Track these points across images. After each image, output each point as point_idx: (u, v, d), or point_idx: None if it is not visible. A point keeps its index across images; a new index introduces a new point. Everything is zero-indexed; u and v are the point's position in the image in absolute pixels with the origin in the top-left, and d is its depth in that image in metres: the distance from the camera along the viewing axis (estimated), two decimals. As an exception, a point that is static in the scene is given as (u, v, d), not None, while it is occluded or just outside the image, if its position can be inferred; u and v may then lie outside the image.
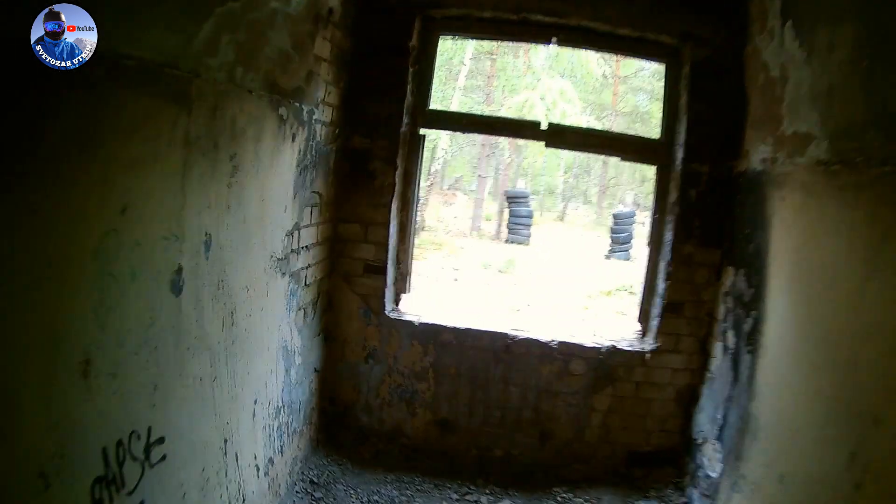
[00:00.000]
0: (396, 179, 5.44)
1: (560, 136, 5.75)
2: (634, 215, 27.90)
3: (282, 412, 4.52)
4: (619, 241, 25.48)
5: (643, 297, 5.60)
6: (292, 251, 4.47)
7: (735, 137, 4.87)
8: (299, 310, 4.80)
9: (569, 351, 5.45)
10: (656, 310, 5.39)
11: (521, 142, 26.15)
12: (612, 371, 5.36)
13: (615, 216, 27.10)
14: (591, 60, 26.06)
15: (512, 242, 24.95)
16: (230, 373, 3.58)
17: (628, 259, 24.80)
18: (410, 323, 5.60)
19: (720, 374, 4.73)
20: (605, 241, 26.83)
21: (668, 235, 5.25)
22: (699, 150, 5.07)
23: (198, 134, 2.97)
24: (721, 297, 4.90)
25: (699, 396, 5.08)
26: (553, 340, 5.51)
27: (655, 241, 5.47)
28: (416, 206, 5.77)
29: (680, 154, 5.15)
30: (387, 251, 5.50)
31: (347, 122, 5.31)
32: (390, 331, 5.59)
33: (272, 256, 4.09)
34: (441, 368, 5.59)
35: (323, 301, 5.35)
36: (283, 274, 4.33)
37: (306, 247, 4.78)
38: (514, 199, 26.32)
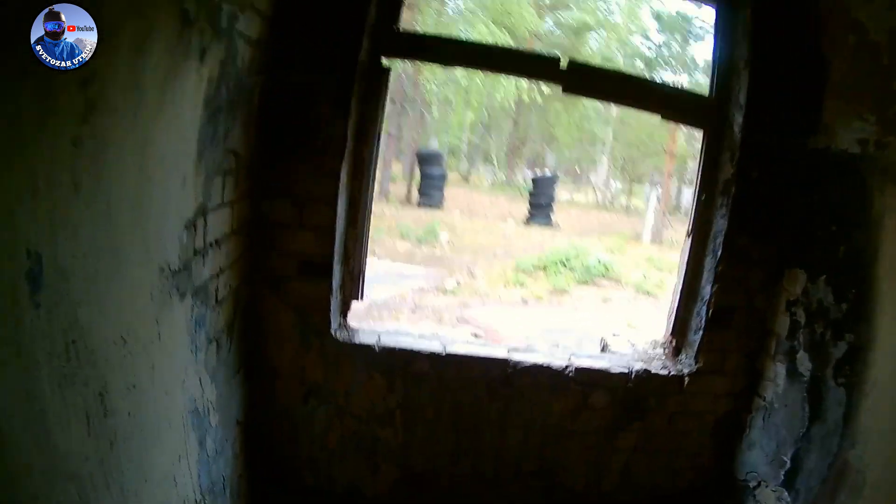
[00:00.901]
0: (348, 133, 3.86)
1: (584, 80, 4.37)
2: (556, 179, 28.13)
3: (202, 508, 3.06)
4: (540, 207, 25.30)
5: (679, 301, 4.56)
6: (195, 253, 2.87)
7: (811, 106, 4.06)
8: (210, 343, 3.22)
9: (589, 379, 4.34)
10: (699, 319, 4.42)
11: (433, 96, 25.04)
12: (641, 402, 4.41)
13: (535, 181, 27.10)
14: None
15: (424, 206, 24.19)
16: (115, 496, 2.14)
17: (550, 225, 24.85)
18: (368, 347, 4.16)
19: (784, 405, 4.12)
20: (523, 206, 26.70)
21: (721, 223, 4.28)
22: (763, 115, 4.15)
23: None
24: (783, 307, 4.21)
25: (746, 427, 4.45)
26: (569, 367, 4.33)
27: (700, 230, 4.45)
28: (373, 174, 4.26)
29: (738, 118, 4.19)
30: (332, 241, 3.95)
31: (282, 43, 3.68)
32: (339, 358, 4.14)
33: (163, 270, 2.53)
34: (413, 409, 4.26)
35: (241, 321, 3.75)
36: (183, 295, 2.76)
37: (216, 241, 3.17)
38: (426, 160, 25.51)
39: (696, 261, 4.46)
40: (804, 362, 3.96)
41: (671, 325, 4.66)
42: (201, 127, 2.75)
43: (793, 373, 4.05)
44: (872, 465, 3.39)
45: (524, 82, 22.70)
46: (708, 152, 4.39)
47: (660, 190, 26.87)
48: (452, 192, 26.99)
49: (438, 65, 4.89)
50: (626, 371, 4.36)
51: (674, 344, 4.62)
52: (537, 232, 23.02)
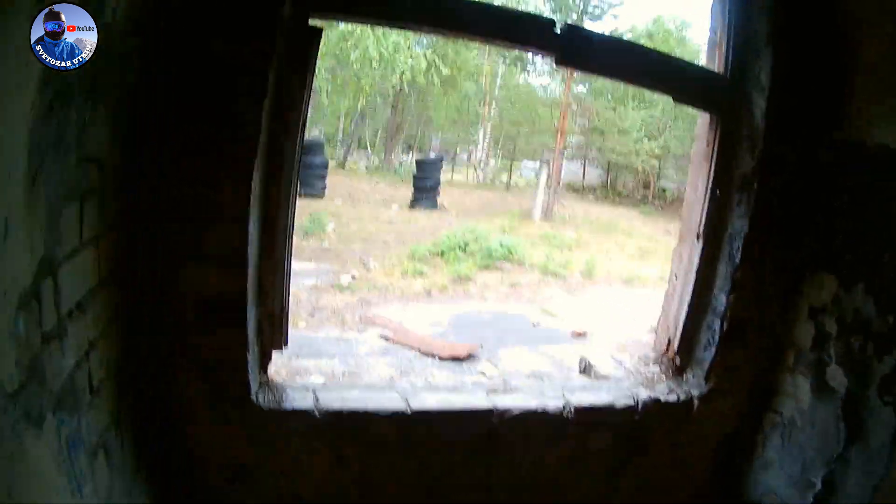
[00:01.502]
0: (263, 119, 2.77)
1: (583, 49, 3.46)
2: (442, 161, 27.50)
3: None
4: (425, 189, 24.74)
5: (688, 314, 3.95)
6: (46, 340, 1.80)
7: (838, 95, 3.64)
8: (95, 457, 2.18)
9: (590, 419, 3.67)
10: (711, 334, 3.92)
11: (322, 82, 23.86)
12: (647, 436, 3.87)
13: (420, 163, 26.38)
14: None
15: (307, 195, 22.59)
16: None
17: (435, 207, 24.37)
18: (303, 413, 3.13)
19: (810, 423, 3.85)
20: (404, 191, 26.14)
21: (739, 224, 3.77)
22: (789, 100, 3.62)
23: None
24: (804, 315, 3.89)
25: (758, 446, 4.16)
26: (567, 407, 3.56)
27: (712, 232, 3.88)
28: (296, 176, 3.12)
29: (760, 102, 3.63)
30: (244, 274, 2.87)
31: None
32: (267, 429, 3.10)
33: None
34: (374, 485, 3.32)
35: (133, 403, 2.65)
36: (39, 419, 1.73)
37: (78, 306, 2.07)
38: (307, 149, 23.68)
39: (708, 266, 3.88)
40: (837, 377, 3.67)
41: (675, 340, 4.04)
42: (34, 126, 1.67)
43: (821, 388, 3.76)
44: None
45: (423, 62, 21.86)
46: (722, 140, 3.77)
47: (549, 167, 26.40)
48: (332, 179, 25.74)
49: (388, 26, 3.42)
50: (633, 403, 3.74)
51: (677, 362, 4.03)
52: (424, 216, 22.29)
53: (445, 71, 23.49)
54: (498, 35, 3.39)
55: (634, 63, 3.70)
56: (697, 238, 3.87)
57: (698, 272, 3.86)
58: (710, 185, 3.83)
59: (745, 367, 3.95)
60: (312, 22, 2.91)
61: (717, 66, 3.76)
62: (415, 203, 24.21)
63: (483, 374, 8.50)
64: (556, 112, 29.24)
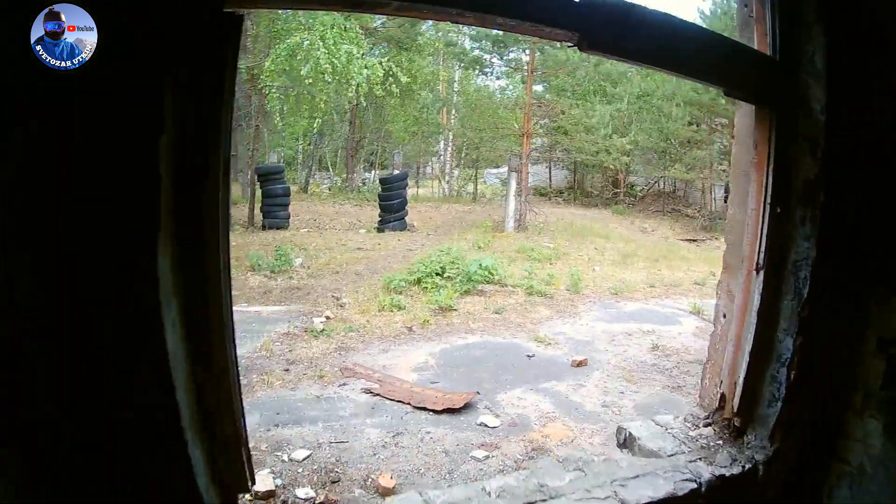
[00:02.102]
0: (161, 152, 1.81)
1: (614, 28, 2.56)
2: (407, 177, 26.76)
3: None
4: (392, 210, 24.08)
5: (749, 364, 3.32)
6: None
7: None
8: None
9: None
10: (776, 387, 3.31)
11: (275, 102, 23.26)
12: None
13: (384, 181, 25.69)
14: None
15: (270, 228, 22.37)
16: None
17: (404, 229, 23.73)
18: None
19: (884, 467, 3.34)
20: (370, 211, 25.69)
21: (805, 247, 3.14)
22: (849, 88, 3.04)
23: None
24: (873, 347, 3.34)
25: (821, 498, 3.63)
26: None
27: (774, 262, 3.24)
28: (226, 234, 2.13)
29: (818, 93, 3.03)
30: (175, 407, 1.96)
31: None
32: None
33: None
34: None
35: None
36: None
37: None
38: (267, 177, 23.60)
39: (769, 303, 3.24)
40: None
41: (733, 396, 3.44)
42: None
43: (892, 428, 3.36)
44: None
45: (379, 71, 21.11)
46: (780, 142, 3.10)
47: (518, 174, 25.82)
48: (296, 206, 25.20)
49: (331, 8, 2.48)
50: (696, 485, 3.11)
51: (737, 423, 3.45)
52: (394, 238, 21.66)
53: (404, 79, 22.77)
54: (490, 7, 2.29)
55: (680, 46, 2.88)
56: (757, 270, 3.24)
57: (760, 312, 3.25)
58: (767, 199, 3.18)
59: (811, 414, 3.43)
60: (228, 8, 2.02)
61: (756, 46, 3.14)
62: (383, 225, 23.63)
63: (485, 425, 8.00)
64: (519, 114, 28.81)
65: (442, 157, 40.00)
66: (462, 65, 34.01)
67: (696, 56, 2.91)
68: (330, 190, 35.06)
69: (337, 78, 20.26)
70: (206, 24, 1.95)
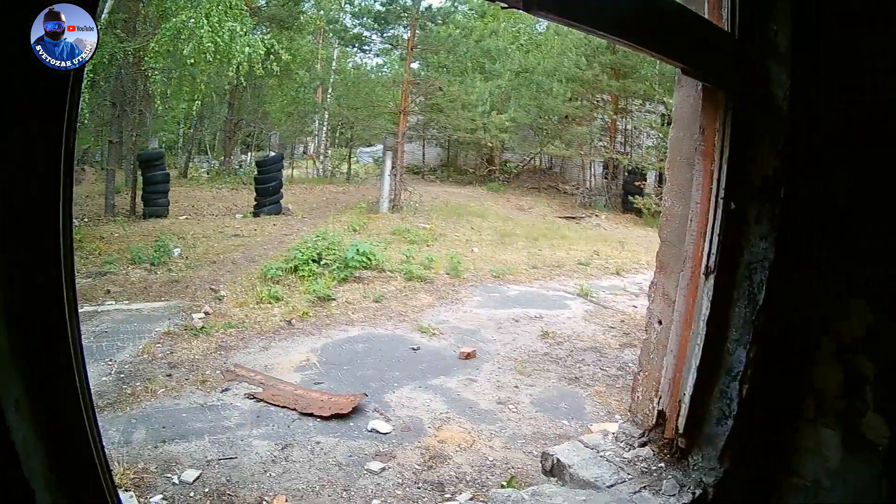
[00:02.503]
0: None
1: None
2: (283, 158, 26.64)
3: None
4: (268, 194, 23.61)
5: (696, 380, 3.10)
6: None
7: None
8: None
9: None
10: (725, 403, 3.11)
11: (157, 86, 22.47)
12: None
13: (259, 164, 25.11)
14: None
15: (151, 216, 21.54)
16: None
17: (280, 212, 23.35)
18: None
19: (842, 481, 3.27)
20: (247, 195, 25.17)
21: (761, 247, 2.91)
22: (817, 73, 2.83)
23: None
24: (828, 355, 3.20)
25: None
26: None
27: (725, 263, 2.99)
28: (75, 312, 1.79)
29: (782, 77, 2.80)
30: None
31: None
32: None
33: None
34: None
35: None
36: None
37: None
38: (147, 163, 22.69)
39: (718, 311, 3.01)
40: (876, 427, 3.17)
41: (675, 414, 3.19)
42: None
43: (855, 441, 3.25)
44: None
45: (261, 48, 20.47)
46: (736, 129, 2.83)
47: (394, 153, 25.58)
48: (175, 192, 24.43)
49: None
50: None
51: (681, 444, 3.20)
52: (270, 223, 21.11)
53: (286, 56, 22.30)
54: None
55: (639, 10, 2.53)
56: (707, 273, 2.98)
57: (710, 320, 3.00)
58: (720, 193, 2.93)
59: (764, 427, 3.27)
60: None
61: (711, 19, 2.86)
62: (259, 209, 23.16)
63: (376, 431, 7.63)
64: (396, 92, 28.55)
65: (317, 137, 39.45)
66: (341, 42, 33.44)
67: (654, 25, 2.59)
68: (209, 174, 34.24)
69: (219, 58, 19.72)
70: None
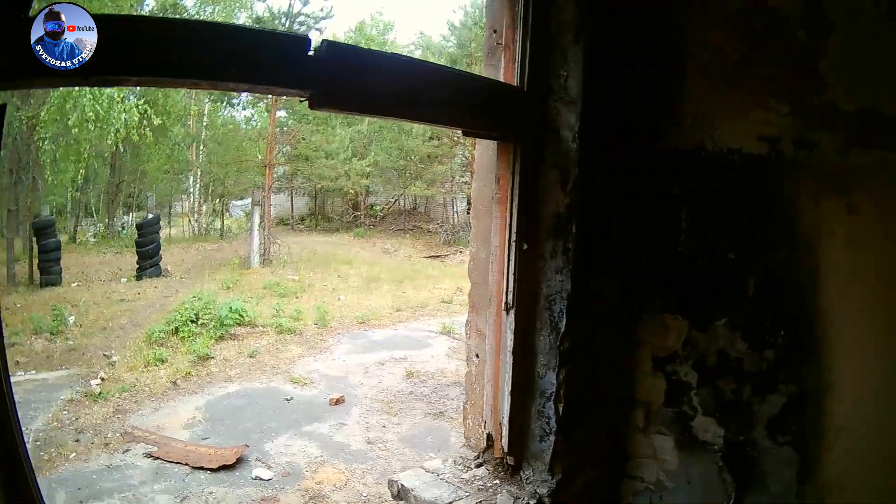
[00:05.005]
0: None
1: (352, 79, 2.20)
2: (160, 220, 26.43)
3: None
4: (148, 256, 23.52)
5: (512, 404, 3.13)
6: None
7: (669, 93, 3.18)
8: None
9: None
10: (544, 421, 3.13)
11: (47, 155, 22.33)
12: None
13: (139, 226, 25.17)
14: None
15: (47, 285, 21.26)
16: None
17: (160, 274, 23.27)
18: None
19: (686, 482, 3.37)
20: (130, 258, 24.93)
21: (558, 280, 2.98)
22: (605, 111, 3.01)
23: None
24: (648, 367, 3.36)
25: None
26: None
27: (524, 297, 3.04)
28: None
29: (572, 119, 2.89)
30: None
31: None
32: None
33: None
34: None
35: None
36: None
37: None
38: (41, 231, 22.49)
39: (525, 340, 3.10)
40: (709, 429, 3.26)
41: (500, 437, 3.25)
42: None
43: (690, 443, 3.32)
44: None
45: (136, 115, 20.85)
46: (525, 176, 2.91)
47: (262, 207, 26.05)
48: (66, 258, 23.94)
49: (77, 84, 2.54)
50: None
51: (510, 462, 3.25)
52: (151, 286, 20.99)
53: (157, 120, 22.56)
54: (222, 75, 1.95)
55: (426, 90, 2.51)
56: (507, 309, 3.02)
57: (515, 351, 3.05)
58: (510, 237, 2.96)
59: (594, 437, 3.38)
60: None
61: (501, 77, 2.91)
62: (140, 272, 23.00)
63: (260, 478, 8.03)
64: (262, 145, 28.58)
65: (191, 195, 38.65)
66: (211, 97, 32.97)
67: (425, 100, 2.55)
68: (95, 238, 33.36)
69: (99, 125, 19.97)
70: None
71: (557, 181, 2.93)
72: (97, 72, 1.88)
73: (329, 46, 2.17)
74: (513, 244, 2.91)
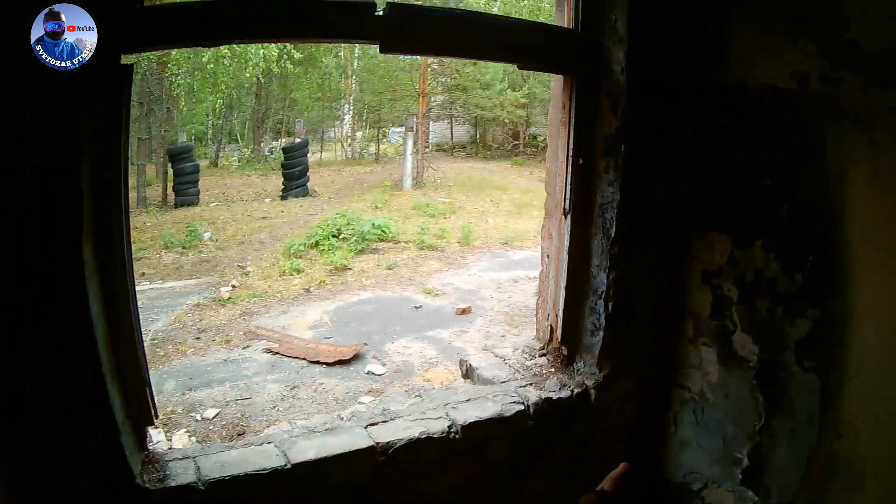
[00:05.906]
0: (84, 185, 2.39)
1: (408, 30, 3.00)
2: (307, 145, 26.91)
3: None
4: (295, 178, 24.29)
5: (567, 299, 3.64)
6: None
7: (715, 31, 3.41)
8: None
9: (479, 434, 3.27)
10: (595, 317, 3.57)
11: (179, 89, 23.54)
12: (547, 437, 3.50)
13: (286, 150, 25.78)
14: None
15: (182, 205, 22.33)
16: None
17: (306, 195, 23.95)
18: (189, 489, 2.70)
19: (724, 396, 3.57)
20: (276, 180, 25.80)
21: (609, 192, 3.43)
22: (652, 48, 3.34)
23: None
24: (698, 280, 3.59)
25: (671, 425, 3.85)
26: (453, 428, 3.23)
27: (580, 205, 3.53)
28: (128, 239, 2.72)
29: (619, 56, 3.32)
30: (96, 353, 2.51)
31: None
32: None
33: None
34: None
35: None
36: None
37: None
38: (177, 156, 23.57)
39: (581, 243, 3.56)
40: (746, 345, 3.45)
41: (558, 328, 3.70)
42: None
43: (730, 358, 3.54)
44: (871, 457, 3.06)
45: (274, 50, 21.45)
46: (580, 103, 3.41)
47: (415, 132, 26.22)
48: (206, 181, 25.18)
49: (203, 45, 2.90)
50: (523, 407, 3.40)
51: (564, 352, 3.72)
52: (296, 205, 21.81)
53: (297, 55, 23.14)
54: (314, 31, 2.98)
55: (473, 36, 3.21)
56: (564, 214, 3.50)
57: (570, 251, 3.51)
58: (570, 152, 3.44)
59: (644, 342, 3.67)
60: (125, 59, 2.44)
61: (566, 21, 3.37)
62: (286, 193, 23.76)
63: (372, 373, 8.52)
64: (415, 75, 28.78)
65: (344, 121, 39.66)
66: None
67: (488, 43, 3.23)
68: (239, 162, 34.71)
69: (235, 60, 20.61)
70: (106, 76, 2.34)
71: (609, 108, 3.36)
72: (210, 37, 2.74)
73: (391, 8, 2.88)
74: (570, 158, 3.45)
